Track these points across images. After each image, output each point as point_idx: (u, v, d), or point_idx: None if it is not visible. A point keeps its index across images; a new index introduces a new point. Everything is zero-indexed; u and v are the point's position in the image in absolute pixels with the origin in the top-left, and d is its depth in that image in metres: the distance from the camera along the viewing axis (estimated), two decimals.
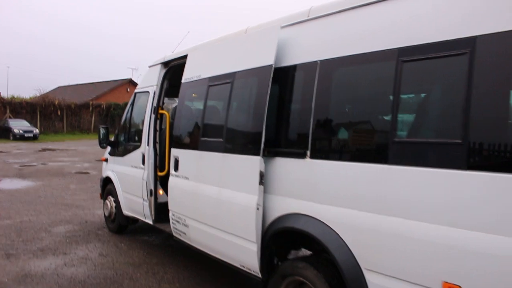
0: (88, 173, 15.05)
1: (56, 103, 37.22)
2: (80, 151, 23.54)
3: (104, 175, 7.59)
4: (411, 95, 3.02)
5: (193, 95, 5.09)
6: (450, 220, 2.54)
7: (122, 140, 7.04)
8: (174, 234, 5.22)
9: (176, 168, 5.04)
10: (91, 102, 39.53)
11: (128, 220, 6.98)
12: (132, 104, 6.87)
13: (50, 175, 14.12)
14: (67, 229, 7.50)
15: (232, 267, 4.25)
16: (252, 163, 3.73)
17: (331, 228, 3.19)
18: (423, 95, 3.01)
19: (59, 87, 53.19)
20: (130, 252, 6.33)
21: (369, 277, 2.98)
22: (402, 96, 2.89)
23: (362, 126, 3.20)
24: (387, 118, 2.94)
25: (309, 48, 3.61)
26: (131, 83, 45.30)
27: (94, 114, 38.96)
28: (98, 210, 8.90)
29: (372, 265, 2.96)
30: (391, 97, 2.92)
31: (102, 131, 7.25)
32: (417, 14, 2.87)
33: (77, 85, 50.58)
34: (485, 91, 2.46)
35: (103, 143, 7.29)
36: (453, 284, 2.51)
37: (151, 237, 7.21)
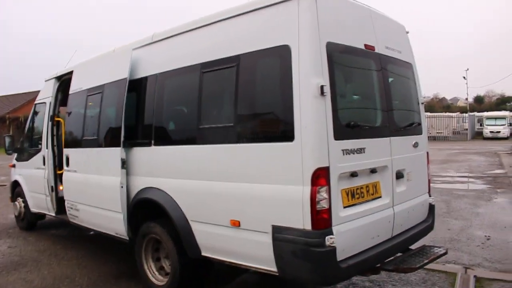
0: (4, 185, 15.32)
1: None
2: None
3: (13, 179, 8.43)
4: (209, 95, 4.30)
5: (77, 104, 6.20)
6: (230, 177, 3.89)
7: (27, 147, 7.97)
8: (70, 219, 6.29)
9: (67, 164, 6.13)
10: (7, 116, 38.37)
11: (36, 217, 7.90)
12: (33, 114, 7.83)
13: None
14: None
15: (111, 237, 5.41)
16: (116, 153, 4.94)
17: (168, 194, 4.47)
18: (216, 94, 4.33)
19: None
20: (37, 243, 7.27)
21: (193, 225, 4.28)
22: (203, 96, 4.21)
23: (182, 119, 4.53)
24: (196, 112, 4.25)
25: (152, 64, 4.88)
26: None
27: (11, 128, 37.77)
28: (12, 215, 9.61)
29: (194, 217, 4.28)
30: (197, 97, 4.23)
31: (7, 139, 8.25)
32: (210, 41, 4.24)
33: None
34: (244, 90, 3.83)
35: (9, 150, 8.23)
36: (235, 220, 3.86)
37: (58, 230, 8.16)
